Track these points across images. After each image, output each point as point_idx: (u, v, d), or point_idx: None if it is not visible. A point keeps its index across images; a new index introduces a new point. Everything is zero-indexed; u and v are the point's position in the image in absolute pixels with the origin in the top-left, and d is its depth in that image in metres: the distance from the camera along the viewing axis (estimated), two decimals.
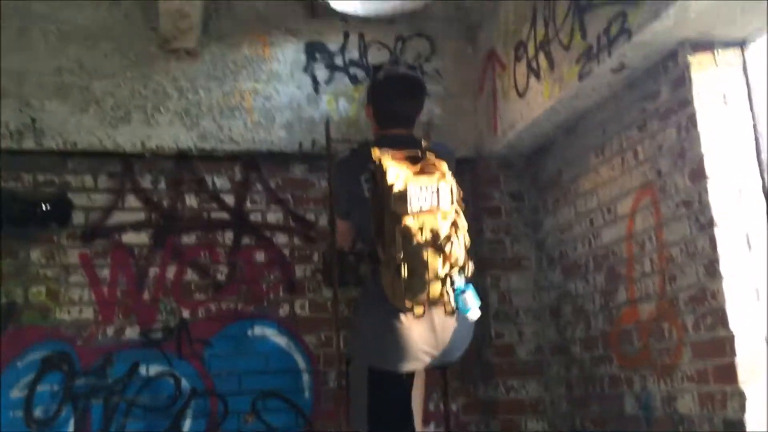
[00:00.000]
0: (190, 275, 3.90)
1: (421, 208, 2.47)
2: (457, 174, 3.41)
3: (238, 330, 3.88)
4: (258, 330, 3.91)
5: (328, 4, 4.09)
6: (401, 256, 2.46)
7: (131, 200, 3.88)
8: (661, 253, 3.11)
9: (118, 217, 3.84)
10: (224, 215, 3.98)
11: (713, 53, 2.94)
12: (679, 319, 2.99)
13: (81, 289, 3.74)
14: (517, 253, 4.17)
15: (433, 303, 2.52)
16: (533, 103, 3.70)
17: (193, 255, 3.91)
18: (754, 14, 2.74)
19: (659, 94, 3.12)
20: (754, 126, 2.91)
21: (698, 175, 2.88)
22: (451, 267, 2.49)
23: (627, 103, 3.34)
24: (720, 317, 2.75)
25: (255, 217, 4.02)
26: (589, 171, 3.66)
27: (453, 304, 2.51)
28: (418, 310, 2.51)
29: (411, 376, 2.74)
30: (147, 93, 3.89)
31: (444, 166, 2.59)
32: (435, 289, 2.48)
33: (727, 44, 2.95)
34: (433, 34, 4.29)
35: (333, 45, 4.17)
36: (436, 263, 2.47)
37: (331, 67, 4.16)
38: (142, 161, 3.89)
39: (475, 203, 4.23)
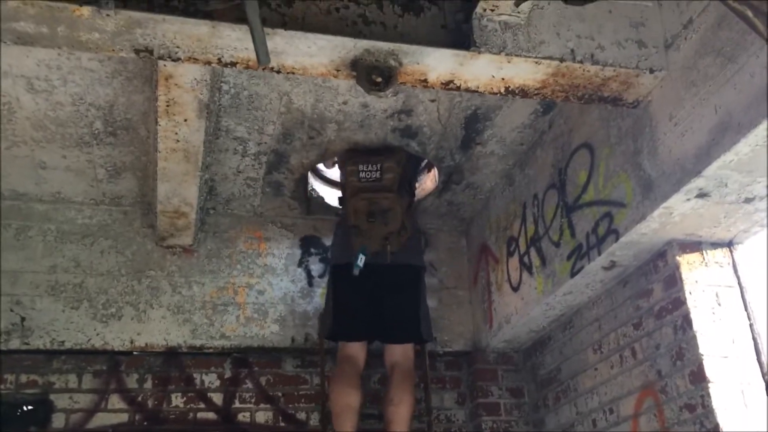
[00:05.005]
0: None
1: (368, 178, 3.65)
2: (455, 368, 4.19)
3: None
4: None
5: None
6: (352, 209, 3.68)
7: (115, 400, 3.71)
8: None
9: (100, 419, 3.65)
10: (211, 415, 3.79)
11: (702, 253, 2.95)
12: None
13: None
14: None
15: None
16: (527, 297, 3.68)
17: None
18: (737, 217, 2.79)
19: (652, 292, 3.09)
20: (751, 326, 2.87)
21: (699, 378, 2.78)
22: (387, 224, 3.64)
23: (621, 299, 3.31)
24: None
25: (243, 416, 3.83)
26: (588, 368, 3.55)
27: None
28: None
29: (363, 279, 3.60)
30: (140, 288, 3.89)
31: (394, 160, 3.68)
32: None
33: (715, 245, 2.97)
34: (426, 227, 4.36)
35: (328, 239, 4.22)
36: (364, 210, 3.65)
37: (326, 261, 4.18)
38: (130, 358, 3.80)
39: (472, 399, 4.07)
